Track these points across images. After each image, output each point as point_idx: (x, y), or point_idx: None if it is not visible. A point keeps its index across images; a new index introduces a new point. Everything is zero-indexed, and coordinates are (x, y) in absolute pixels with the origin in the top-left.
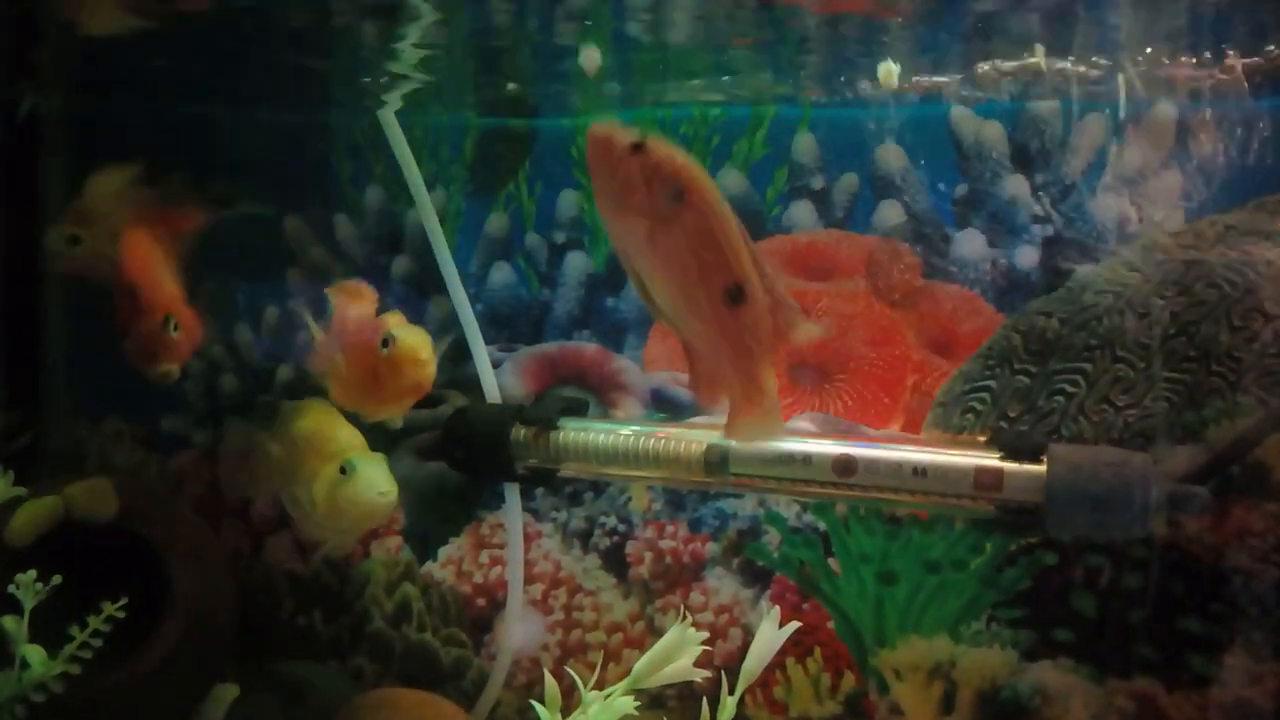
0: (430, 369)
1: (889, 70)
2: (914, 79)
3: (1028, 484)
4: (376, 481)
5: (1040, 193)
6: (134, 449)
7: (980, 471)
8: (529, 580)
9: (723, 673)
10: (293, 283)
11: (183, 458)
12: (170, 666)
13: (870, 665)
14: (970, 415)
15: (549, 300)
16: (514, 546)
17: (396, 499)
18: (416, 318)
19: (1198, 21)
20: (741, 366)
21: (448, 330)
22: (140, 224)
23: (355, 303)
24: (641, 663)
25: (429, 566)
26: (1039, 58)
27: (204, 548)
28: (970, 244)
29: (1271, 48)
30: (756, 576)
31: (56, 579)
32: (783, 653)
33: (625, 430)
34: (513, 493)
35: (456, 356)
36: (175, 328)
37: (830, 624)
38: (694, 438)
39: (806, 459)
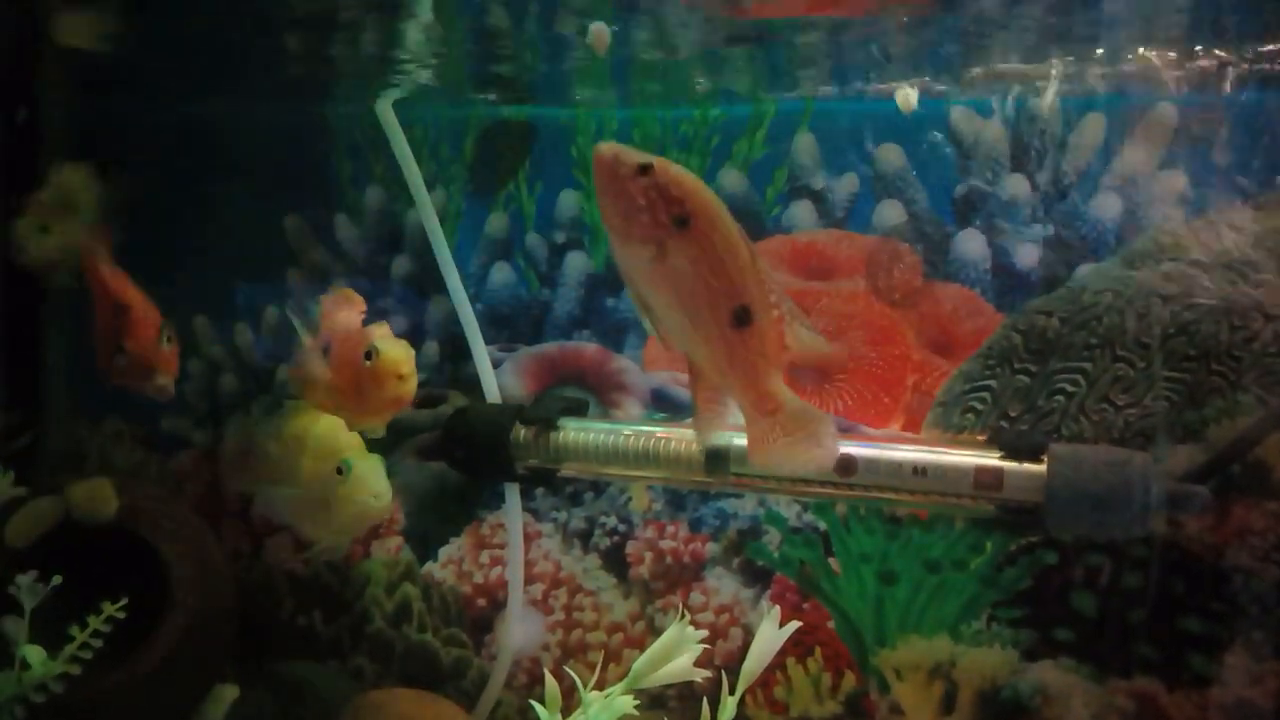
0: (412, 384)
1: (906, 95)
2: (912, 79)
3: (1028, 483)
4: (371, 483)
5: (1040, 192)
6: (134, 449)
7: (980, 471)
8: (529, 580)
9: (723, 672)
10: (293, 283)
11: (183, 458)
12: (170, 666)
13: (871, 665)
14: (970, 415)
15: (549, 300)
16: (514, 547)
17: (391, 501)
18: (416, 318)
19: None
20: (750, 385)
21: (447, 330)
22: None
23: (343, 311)
24: (640, 662)
25: (429, 567)
26: (1050, 66)
27: (204, 548)
28: (970, 243)
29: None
30: (757, 576)
31: (56, 579)
32: (783, 652)
33: (625, 430)
34: (513, 493)
35: (456, 356)
36: (170, 339)
37: (830, 624)
38: (694, 437)
39: None
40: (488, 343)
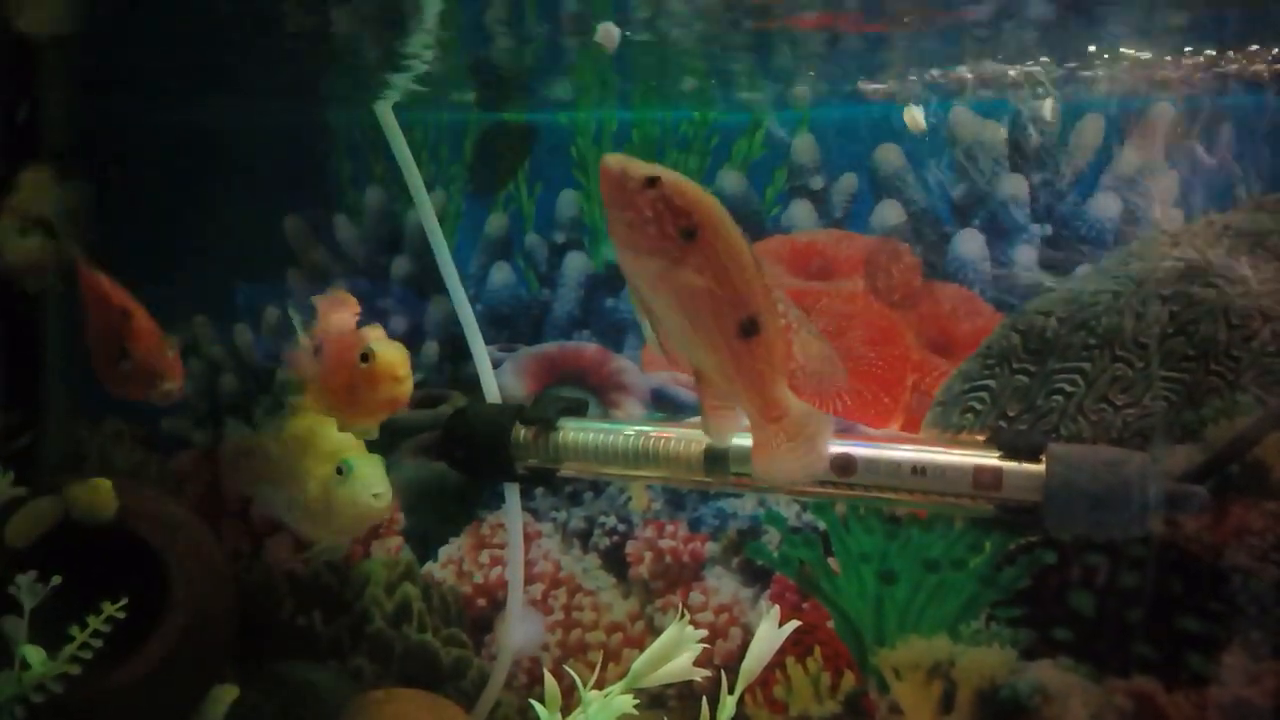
0: (408, 385)
1: (914, 116)
2: (914, 78)
3: (1027, 483)
4: (371, 483)
5: (1038, 192)
6: (134, 449)
7: (979, 471)
8: (529, 580)
9: (722, 672)
10: (293, 283)
11: (183, 458)
12: (170, 667)
13: (870, 664)
14: (969, 414)
15: (549, 300)
16: (514, 546)
17: (391, 501)
18: (416, 318)
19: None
20: (756, 393)
21: (447, 331)
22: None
23: (338, 312)
24: (640, 661)
25: (429, 567)
26: (1049, 71)
27: (204, 548)
28: (969, 243)
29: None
30: (756, 576)
31: (56, 579)
32: (782, 652)
33: (625, 430)
34: (513, 493)
35: (456, 357)
36: (170, 347)
37: (830, 623)
38: (694, 437)
39: None
40: (487, 343)
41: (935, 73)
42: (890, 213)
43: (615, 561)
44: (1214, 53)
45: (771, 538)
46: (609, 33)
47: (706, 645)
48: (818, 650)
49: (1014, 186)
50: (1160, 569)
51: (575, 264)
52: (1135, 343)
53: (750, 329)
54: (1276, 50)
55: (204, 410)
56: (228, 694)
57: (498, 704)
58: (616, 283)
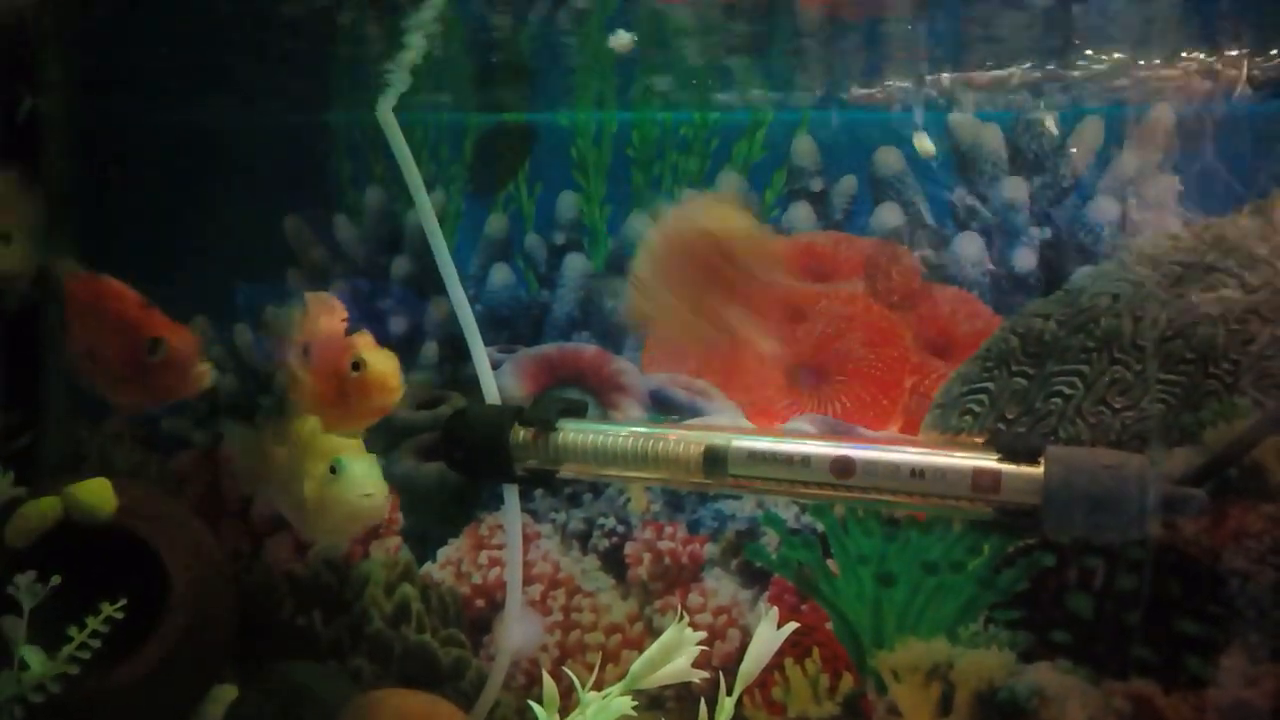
0: (399, 394)
1: (924, 142)
2: (913, 80)
3: (1025, 486)
4: (363, 482)
5: (1038, 195)
6: (134, 449)
7: (978, 473)
8: (528, 581)
9: (721, 674)
10: (293, 283)
11: (183, 458)
12: (169, 667)
13: (868, 666)
14: (968, 417)
15: (548, 301)
16: (513, 548)
17: (385, 501)
18: (416, 318)
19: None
20: None
21: (446, 331)
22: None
23: (326, 318)
24: (639, 663)
25: (428, 567)
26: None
27: (204, 548)
28: (968, 246)
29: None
30: (755, 578)
31: (56, 579)
32: (781, 654)
33: (624, 431)
34: (512, 494)
35: (455, 357)
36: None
37: (828, 625)
38: (693, 439)
39: (805, 460)
40: (487, 344)
41: (935, 75)
42: (889, 215)
43: (614, 563)
44: (1213, 56)
45: (770, 539)
46: (621, 39)
47: (705, 647)
48: (816, 652)
49: (1013, 189)
50: (1159, 572)
51: (575, 265)
52: (1134, 345)
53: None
54: (1276, 53)
55: (204, 410)
56: (227, 694)
57: (496, 704)
58: (615, 284)
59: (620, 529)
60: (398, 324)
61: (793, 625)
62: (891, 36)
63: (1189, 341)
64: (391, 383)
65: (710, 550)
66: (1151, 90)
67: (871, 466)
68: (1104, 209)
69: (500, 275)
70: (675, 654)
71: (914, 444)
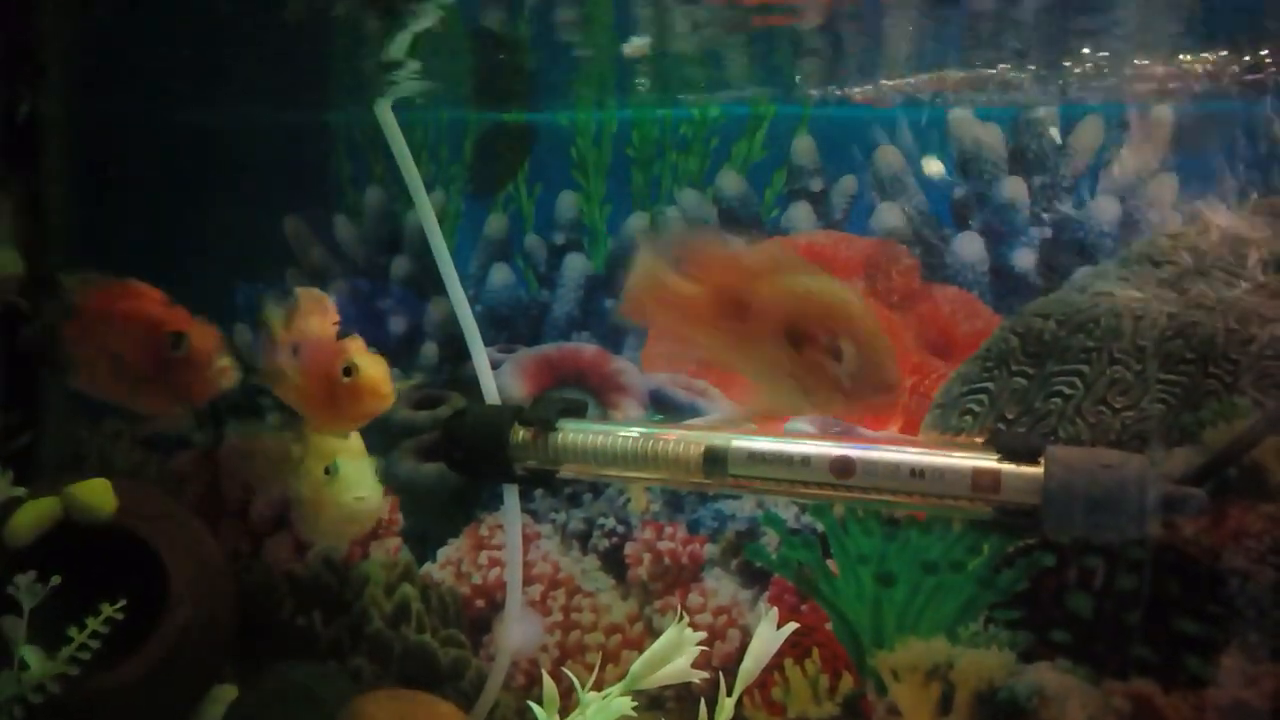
0: (390, 401)
1: (934, 166)
2: (912, 80)
3: (1025, 485)
4: (356, 485)
5: (1038, 195)
6: (134, 449)
7: (978, 473)
8: (528, 581)
9: (721, 674)
10: (292, 283)
11: (183, 458)
12: (169, 667)
13: (868, 666)
14: (968, 417)
15: (548, 301)
16: (513, 548)
17: (378, 505)
18: (416, 318)
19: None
20: None
21: (446, 331)
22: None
23: (317, 318)
24: (639, 663)
25: (428, 567)
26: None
27: (203, 548)
28: (968, 246)
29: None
30: (755, 578)
31: (55, 579)
32: (781, 654)
33: (624, 431)
34: (511, 494)
35: (455, 357)
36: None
37: (828, 625)
38: (693, 439)
39: (805, 460)
40: (487, 344)
41: (934, 75)
42: (889, 215)
43: (614, 563)
44: (1213, 56)
45: (770, 540)
46: (638, 47)
47: (705, 647)
48: (816, 652)
49: (1013, 189)
50: (1158, 571)
51: (575, 265)
52: (1134, 345)
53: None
54: (1275, 54)
55: (204, 410)
56: (227, 694)
57: (496, 705)
58: (616, 284)
59: (620, 529)
60: (397, 324)
61: (792, 625)
62: (892, 36)
63: (1189, 341)
64: (383, 389)
65: (710, 550)
66: (1151, 89)
67: (871, 466)
68: (1104, 209)
69: (500, 275)
70: (675, 654)
71: (914, 444)
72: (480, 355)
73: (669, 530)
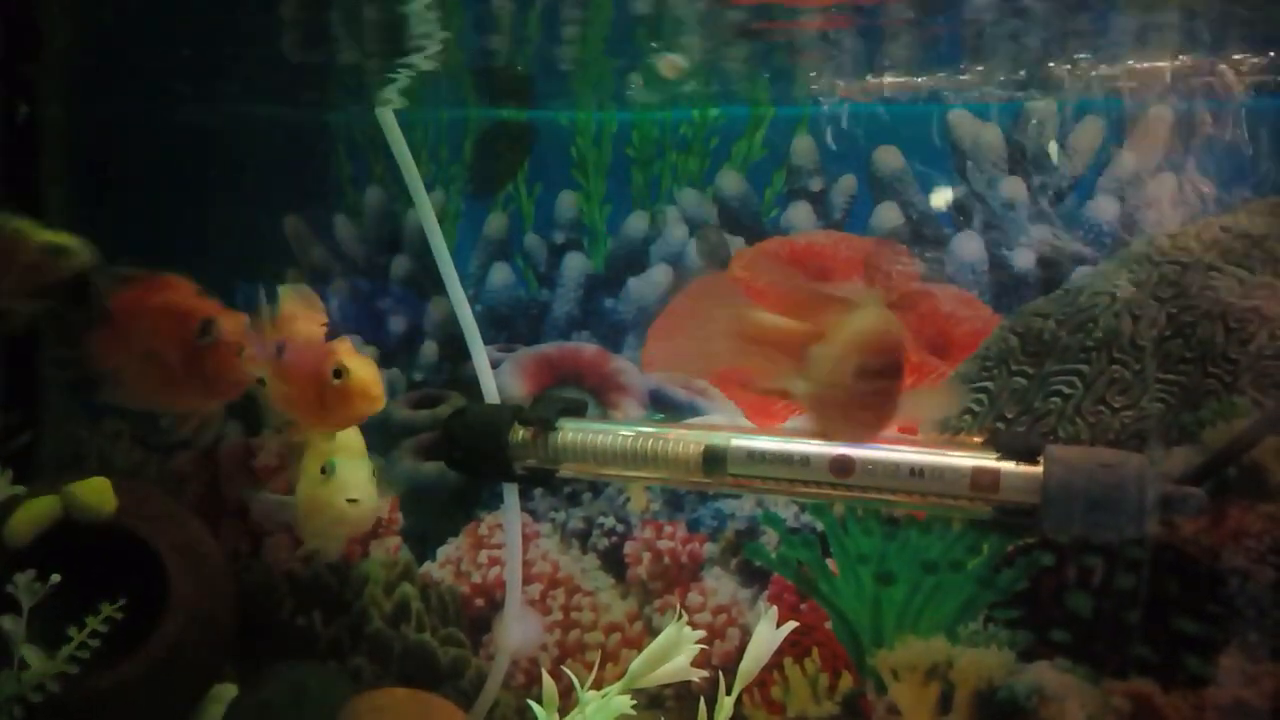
0: (381, 404)
1: (944, 196)
2: (912, 80)
3: (1024, 485)
4: (350, 486)
5: (1037, 195)
6: (134, 449)
7: (977, 472)
8: (527, 580)
9: (720, 673)
10: (292, 283)
11: (183, 458)
12: (169, 666)
13: (868, 665)
14: (967, 416)
15: (548, 301)
16: (512, 547)
17: (373, 508)
18: (415, 318)
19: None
20: None
21: (446, 331)
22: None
23: (304, 319)
24: (638, 662)
25: (427, 566)
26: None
27: (204, 548)
28: (968, 246)
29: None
30: (754, 577)
31: (55, 578)
32: (780, 653)
33: (624, 431)
34: (511, 493)
35: (455, 357)
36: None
37: (828, 624)
38: (692, 438)
39: (804, 459)
40: (486, 343)
41: (933, 75)
42: (889, 214)
43: (613, 562)
44: (1213, 56)
45: (770, 539)
46: (674, 63)
47: (704, 646)
48: (815, 651)
49: (1012, 189)
50: (1157, 571)
51: (574, 264)
52: (1133, 345)
53: None
54: (1275, 54)
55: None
56: (227, 694)
57: (495, 704)
58: (615, 283)
59: (620, 528)
60: (397, 324)
61: (792, 624)
62: (892, 36)
63: (1188, 341)
64: (373, 391)
65: (710, 549)
66: (1151, 89)
67: (871, 465)
68: (1104, 208)
69: (500, 275)
70: (675, 653)
71: (913, 443)
72: (480, 355)
73: (668, 529)
